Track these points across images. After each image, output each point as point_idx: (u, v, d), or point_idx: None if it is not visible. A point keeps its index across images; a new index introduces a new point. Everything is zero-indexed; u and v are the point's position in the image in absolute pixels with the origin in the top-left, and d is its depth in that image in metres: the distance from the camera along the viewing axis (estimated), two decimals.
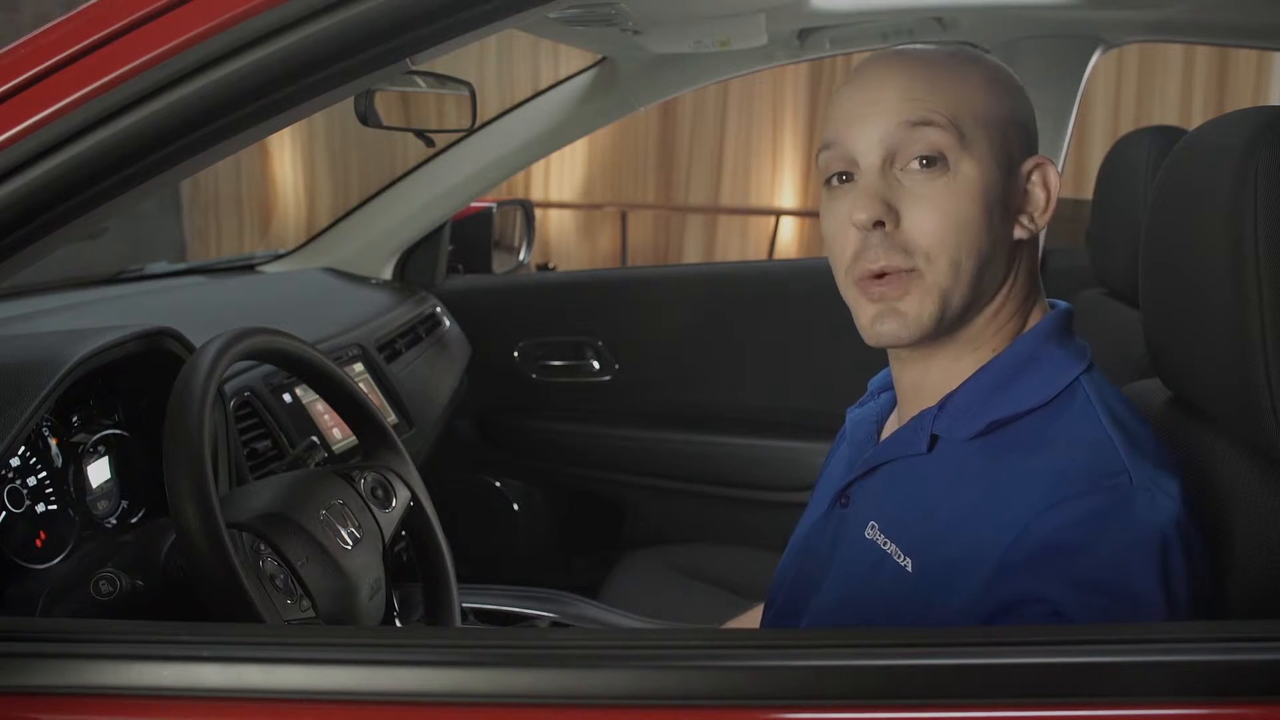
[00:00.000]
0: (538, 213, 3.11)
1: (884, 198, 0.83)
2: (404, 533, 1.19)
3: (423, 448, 1.81)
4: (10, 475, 1.01)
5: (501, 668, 0.64)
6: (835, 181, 0.87)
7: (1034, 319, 0.89)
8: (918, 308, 0.83)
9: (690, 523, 2.21)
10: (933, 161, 0.82)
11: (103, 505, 1.13)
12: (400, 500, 1.14)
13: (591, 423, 2.31)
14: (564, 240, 6.43)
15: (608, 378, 2.30)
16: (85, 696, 0.65)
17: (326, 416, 1.53)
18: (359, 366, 1.73)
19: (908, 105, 0.83)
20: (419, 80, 1.87)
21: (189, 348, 1.17)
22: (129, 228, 5.18)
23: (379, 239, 2.24)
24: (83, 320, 1.47)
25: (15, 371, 0.93)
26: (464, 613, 1.39)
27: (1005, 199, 0.85)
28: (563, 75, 2.15)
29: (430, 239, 2.27)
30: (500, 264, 2.50)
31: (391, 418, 1.73)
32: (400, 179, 2.22)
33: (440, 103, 2.04)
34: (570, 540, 2.39)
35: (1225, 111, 0.87)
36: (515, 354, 2.33)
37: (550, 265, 3.87)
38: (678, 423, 2.25)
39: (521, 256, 2.63)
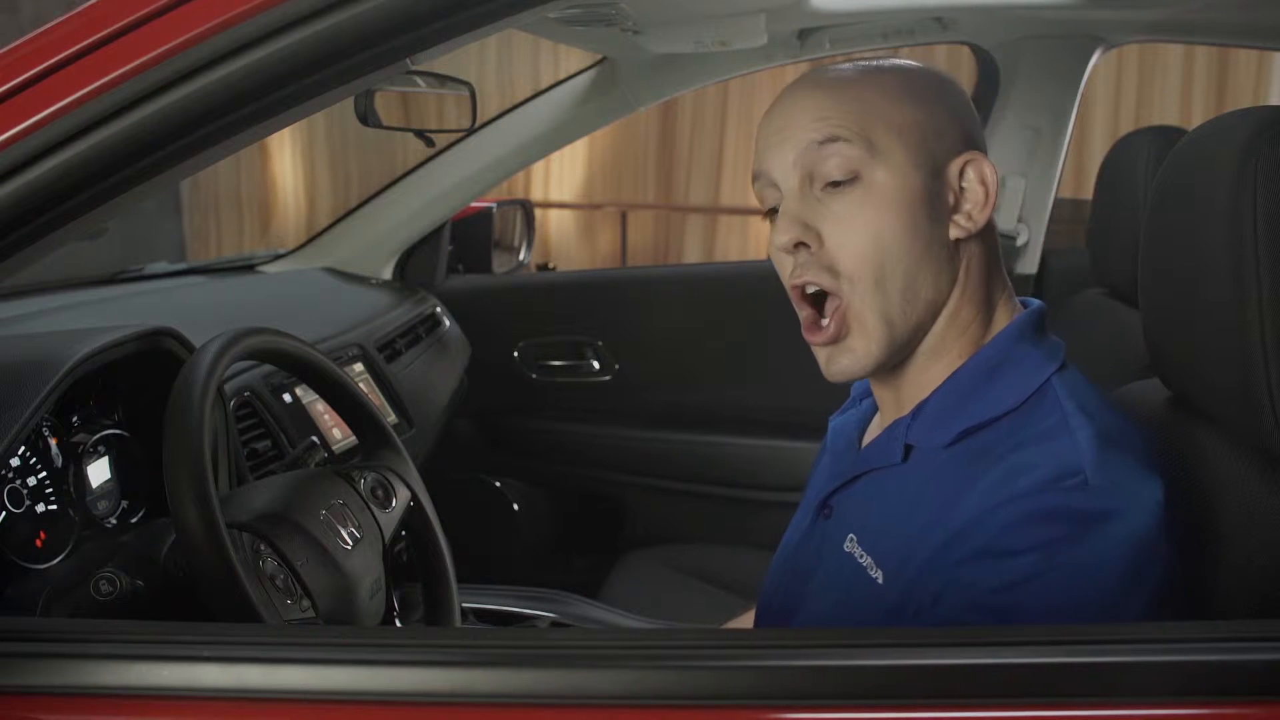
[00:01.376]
0: (538, 213, 3.11)
1: (803, 219, 0.84)
2: (404, 533, 1.19)
3: (423, 448, 1.81)
4: (10, 475, 1.01)
5: (501, 668, 0.64)
6: (772, 214, 0.88)
7: (1002, 318, 0.88)
8: (864, 342, 0.84)
9: (690, 523, 2.21)
10: (845, 176, 0.83)
11: (103, 505, 1.13)
12: (400, 500, 1.14)
13: (591, 423, 2.31)
14: (564, 240, 6.43)
15: (608, 378, 2.30)
16: (85, 696, 0.65)
17: (326, 416, 1.53)
18: (359, 366, 1.73)
19: (816, 125, 0.84)
20: (419, 80, 1.87)
21: (189, 348, 1.17)
22: (129, 228, 5.18)
23: (379, 239, 2.24)
24: (83, 320, 1.47)
25: (15, 371, 0.93)
26: (464, 613, 1.39)
27: (931, 201, 0.84)
28: (563, 75, 2.15)
29: (430, 239, 2.27)
30: (500, 264, 2.50)
31: (391, 418, 1.73)
32: (400, 179, 2.22)
33: (440, 103, 2.04)
34: (570, 540, 2.39)
35: (1225, 111, 0.87)
36: (515, 354, 2.33)
37: (550, 265, 3.86)
38: (678, 423, 2.24)
39: (521, 256, 2.63)
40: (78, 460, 1.10)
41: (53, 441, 1.08)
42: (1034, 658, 0.61)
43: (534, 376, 2.33)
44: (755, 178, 0.88)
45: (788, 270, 0.86)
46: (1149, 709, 0.60)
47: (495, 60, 6.01)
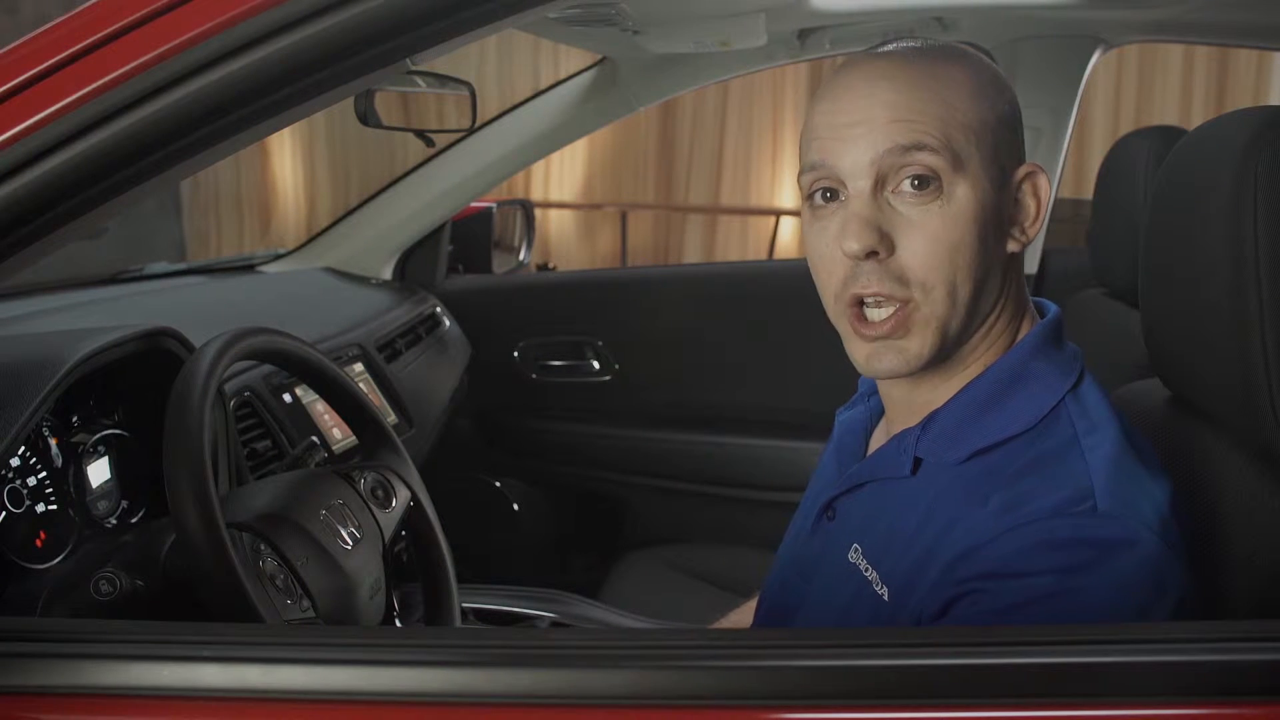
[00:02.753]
0: (538, 213, 3.11)
1: (877, 225, 0.78)
2: (404, 533, 1.19)
3: (423, 448, 1.81)
4: (10, 475, 1.01)
5: (501, 668, 0.64)
6: (820, 199, 0.82)
7: (1024, 329, 0.86)
8: (919, 344, 0.80)
9: (690, 523, 2.21)
10: (926, 182, 0.78)
11: (103, 505, 1.13)
12: (400, 500, 1.14)
13: (591, 423, 2.31)
14: (564, 240, 6.43)
15: (608, 378, 2.30)
16: (85, 696, 0.65)
17: (326, 416, 1.53)
18: (359, 366, 1.73)
19: (898, 127, 0.78)
20: (419, 80, 1.87)
21: (189, 348, 1.17)
22: (129, 228, 5.18)
23: (379, 239, 2.24)
24: (83, 320, 1.47)
25: (15, 371, 0.93)
26: (464, 613, 1.39)
27: (1000, 215, 0.81)
28: (563, 75, 2.15)
29: (430, 239, 2.27)
30: (500, 264, 2.50)
31: (391, 418, 1.74)
32: (400, 179, 2.22)
33: (440, 103, 2.04)
34: (570, 540, 2.39)
35: (1225, 111, 0.87)
36: (515, 354, 2.33)
37: (550, 265, 3.86)
38: (678, 423, 2.25)
39: (521, 256, 2.63)
40: (78, 460, 1.10)
41: (53, 441, 1.08)
42: (1034, 658, 0.61)
43: (534, 376, 2.33)
44: (811, 168, 0.81)
45: (842, 273, 0.80)
46: (1149, 709, 0.60)
47: (495, 60, 6.01)
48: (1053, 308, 0.88)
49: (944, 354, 0.82)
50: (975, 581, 0.74)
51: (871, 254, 0.79)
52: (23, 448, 1.04)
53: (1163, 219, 0.87)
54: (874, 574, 0.83)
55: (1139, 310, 0.93)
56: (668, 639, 0.69)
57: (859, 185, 0.79)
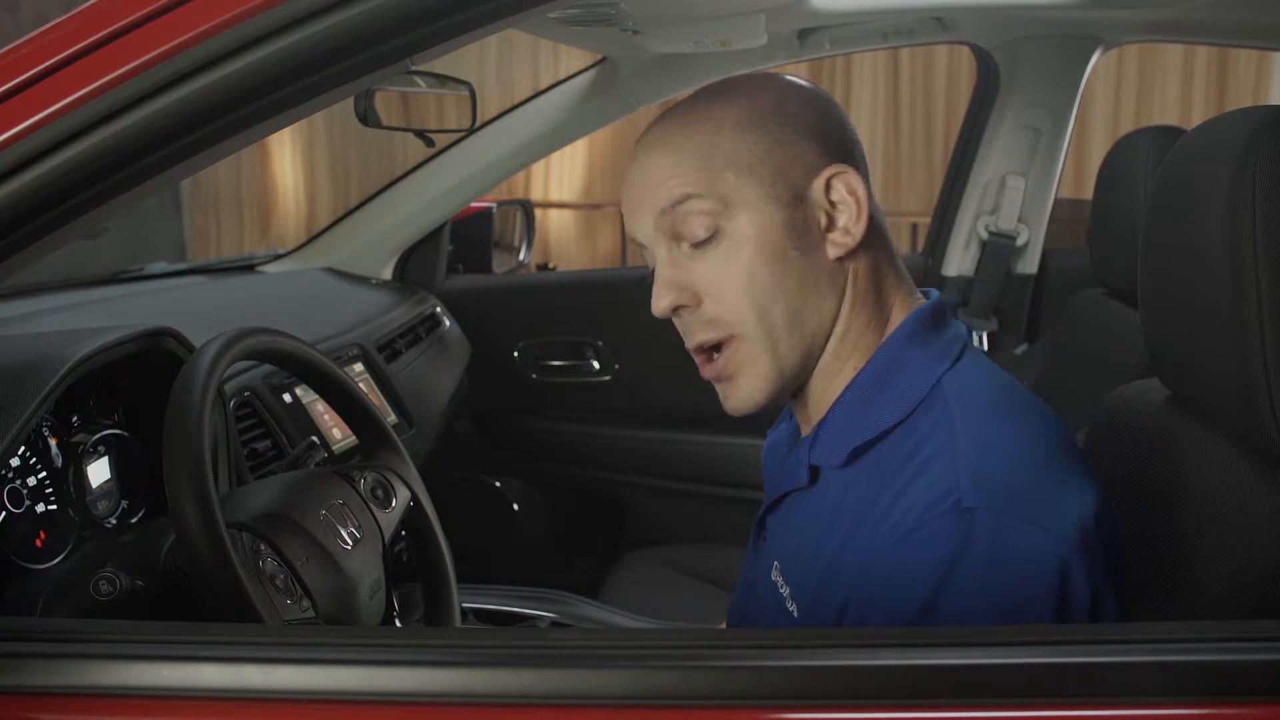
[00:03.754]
0: (538, 213, 3.11)
1: (677, 283, 0.83)
2: (404, 533, 1.19)
3: (423, 448, 1.81)
4: (10, 475, 1.01)
5: (501, 668, 0.64)
6: (650, 266, 0.87)
7: (896, 321, 0.85)
8: (749, 384, 0.84)
9: (690, 523, 2.21)
10: (703, 240, 0.82)
11: (103, 505, 1.13)
12: (400, 500, 1.14)
13: (591, 423, 2.31)
14: (564, 240, 6.42)
15: (608, 378, 2.30)
16: (85, 696, 0.65)
17: (326, 416, 1.53)
18: (359, 366, 1.73)
19: (665, 188, 0.82)
20: (419, 80, 1.87)
21: (189, 348, 1.17)
22: (129, 228, 5.18)
23: (379, 239, 2.24)
24: (83, 320, 1.47)
25: (15, 371, 0.93)
26: (464, 613, 1.39)
27: (798, 232, 0.82)
28: (563, 75, 2.15)
29: (430, 239, 2.27)
30: (500, 264, 2.50)
31: (391, 418, 1.73)
32: (400, 179, 2.21)
33: (440, 103, 2.04)
34: (570, 540, 2.39)
35: (1225, 112, 0.87)
36: (515, 354, 2.33)
37: (550, 265, 3.86)
38: (678, 423, 2.24)
39: (521, 256, 2.63)
40: (78, 460, 1.10)
41: (53, 441, 1.08)
42: (1034, 658, 0.61)
43: (534, 376, 2.33)
44: (632, 240, 0.87)
45: (680, 331, 0.86)
46: (1149, 709, 0.60)
47: (495, 60, 6.00)
48: (934, 294, 0.88)
49: (794, 376, 0.84)
50: (859, 589, 0.75)
51: (678, 309, 0.84)
52: (23, 448, 1.04)
53: (1161, 218, 0.87)
54: (786, 590, 0.84)
55: (1139, 310, 0.93)
56: (668, 639, 0.69)
57: (656, 250, 0.85)
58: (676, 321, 0.86)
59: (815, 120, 0.84)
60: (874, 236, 0.85)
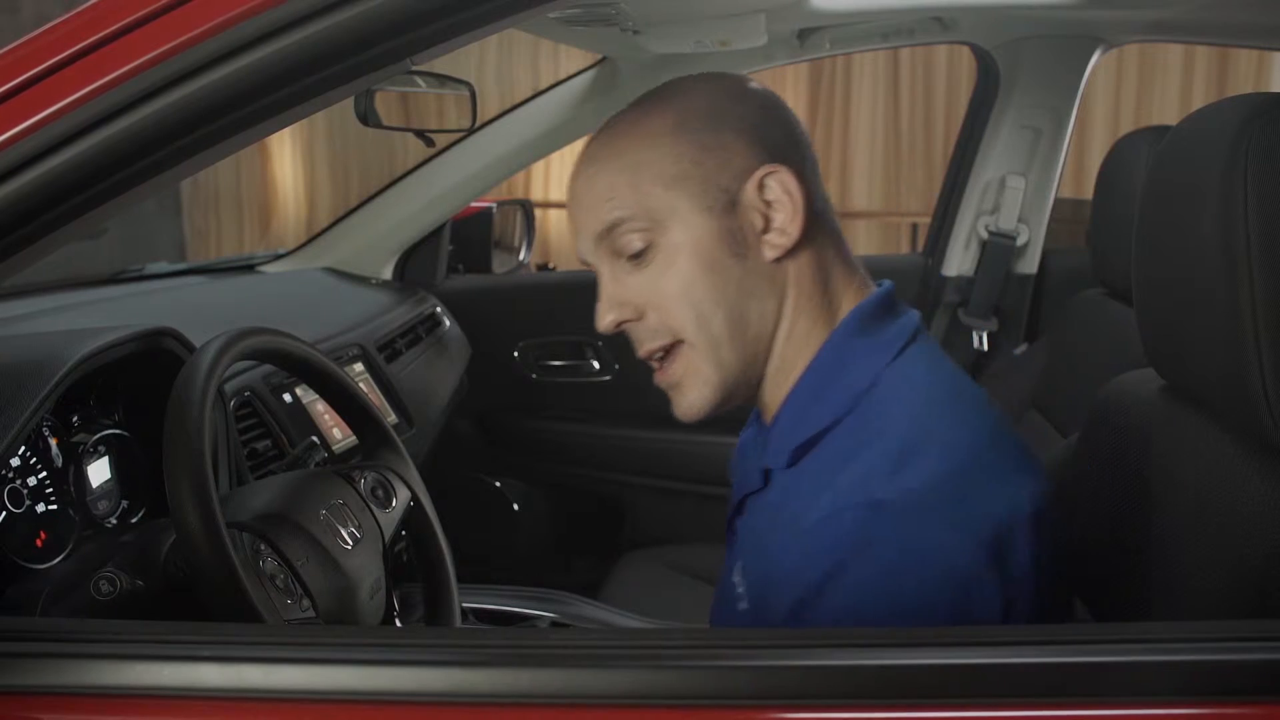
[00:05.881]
0: (538, 213, 3.10)
1: (618, 299, 0.85)
2: (404, 533, 1.19)
3: (423, 448, 1.81)
4: (10, 475, 1.01)
5: (501, 668, 0.64)
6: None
7: (845, 314, 0.85)
8: (694, 394, 0.85)
9: (690, 523, 2.21)
10: (639, 253, 0.83)
11: (103, 505, 1.13)
12: (400, 500, 1.14)
13: (591, 423, 2.31)
14: (564, 240, 6.42)
15: (608, 378, 2.30)
16: (85, 696, 0.65)
17: (326, 416, 1.53)
18: (359, 366, 1.73)
19: (599, 209, 0.83)
20: (419, 80, 1.87)
21: (189, 348, 1.17)
22: (129, 228, 5.18)
23: (379, 239, 2.24)
24: (83, 320, 1.47)
25: (15, 371, 0.93)
26: (464, 613, 1.39)
27: (731, 238, 0.82)
28: (563, 75, 2.15)
29: (430, 239, 2.27)
30: (500, 264, 2.50)
31: (391, 418, 1.73)
32: (400, 179, 2.22)
33: (440, 103, 2.04)
34: (570, 540, 2.39)
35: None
36: (515, 354, 2.33)
37: (550, 265, 3.86)
38: (678, 423, 2.23)
39: (521, 256, 2.63)
40: (78, 460, 1.10)
41: (53, 441, 1.08)
42: (1034, 658, 0.61)
43: (534, 376, 2.33)
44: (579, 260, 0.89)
45: (632, 340, 0.87)
46: (1149, 709, 0.60)
47: (495, 60, 6.00)
48: (886, 284, 0.88)
49: (741, 381, 0.85)
50: (761, 575, 0.76)
51: (622, 323, 0.85)
52: (23, 448, 1.04)
53: (1155, 208, 0.87)
54: (742, 589, 0.85)
55: (1134, 300, 0.93)
56: (668, 639, 0.69)
57: (600, 268, 0.86)
58: (628, 333, 0.87)
59: (751, 120, 0.84)
60: (817, 233, 0.84)
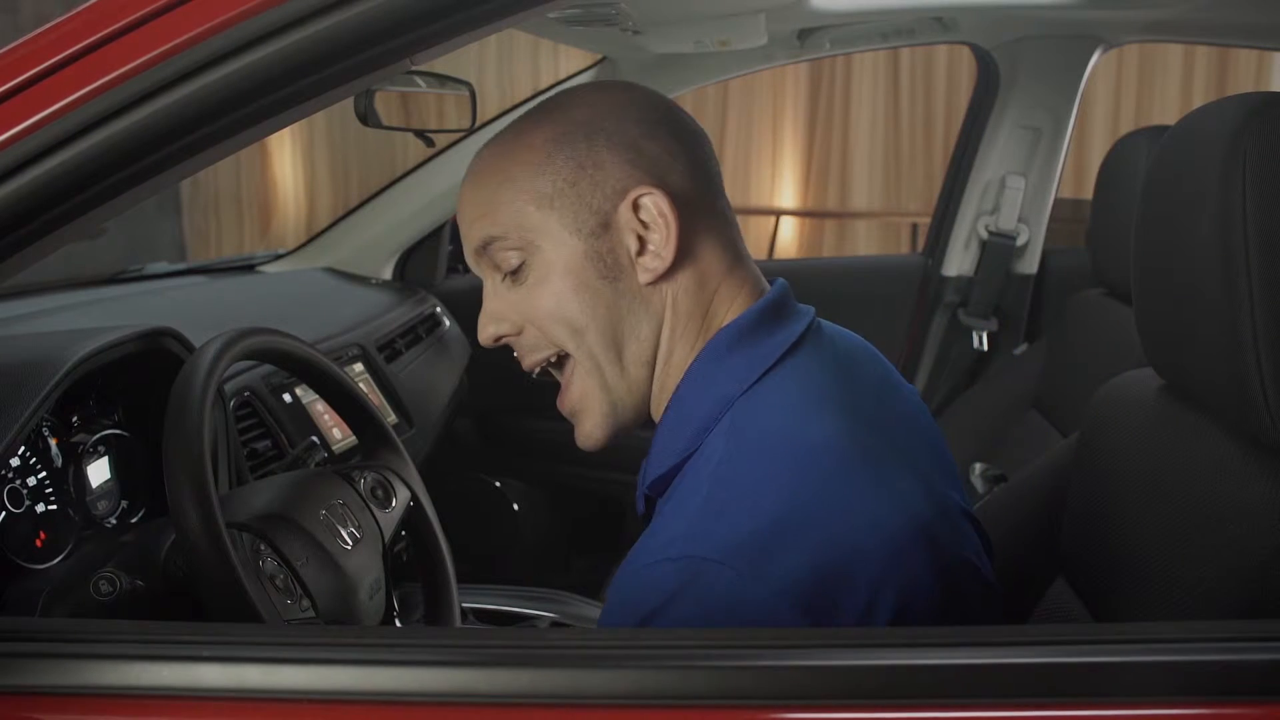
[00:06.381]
0: None
1: (497, 314, 0.85)
2: (404, 533, 1.19)
3: (423, 448, 1.81)
4: (10, 475, 1.01)
5: (501, 668, 0.64)
6: None
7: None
8: (590, 416, 0.85)
9: None
10: (516, 270, 0.82)
11: (103, 505, 1.13)
12: (400, 500, 1.14)
13: None
14: None
15: None
16: (85, 696, 0.65)
17: (326, 416, 1.53)
18: (359, 366, 1.73)
19: (477, 226, 0.83)
20: (419, 80, 1.87)
21: (189, 348, 1.17)
22: (129, 228, 5.18)
23: (379, 239, 2.24)
24: (83, 320, 1.47)
25: (15, 371, 0.93)
26: (464, 613, 1.39)
27: (600, 260, 0.80)
28: (563, 75, 2.15)
29: (430, 239, 2.27)
30: None
31: (391, 418, 1.74)
32: (400, 179, 2.22)
33: (440, 103, 2.04)
34: (570, 540, 2.39)
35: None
36: (515, 353, 2.33)
37: None
38: None
39: None
40: (78, 460, 1.10)
41: (53, 441, 1.08)
42: (1034, 658, 0.61)
43: (534, 376, 2.33)
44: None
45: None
46: (1149, 709, 0.60)
47: (495, 60, 6.01)
48: (775, 286, 0.85)
49: (631, 410, 0.85)
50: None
51: (502, 338, 0.85)
52: (23, 448, 1.04)
53: (1154, 206, 0.87)
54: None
55: (1133, 299, 0.93)
56: (668, 639, 0.69)
57: (485, 282, 0.86)
58: (512, 347, 0.87)
59: (630, 136, 0.81)
60: (701, 250, 0.82)
